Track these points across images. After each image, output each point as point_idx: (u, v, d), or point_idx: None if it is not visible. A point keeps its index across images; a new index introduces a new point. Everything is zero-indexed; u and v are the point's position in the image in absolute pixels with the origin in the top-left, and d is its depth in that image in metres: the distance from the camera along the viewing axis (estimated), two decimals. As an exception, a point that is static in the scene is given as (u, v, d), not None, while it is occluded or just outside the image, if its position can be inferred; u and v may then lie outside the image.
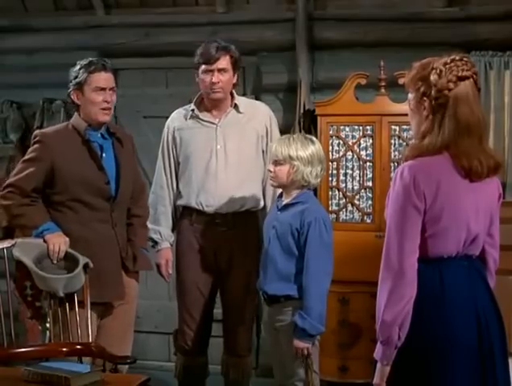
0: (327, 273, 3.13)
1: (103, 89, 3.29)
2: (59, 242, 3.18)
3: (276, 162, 3.20)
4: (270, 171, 3.23)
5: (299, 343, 3.11)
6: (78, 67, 3.32)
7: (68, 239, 3.21)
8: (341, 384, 4.27)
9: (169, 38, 4.84)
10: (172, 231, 3.82)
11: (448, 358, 2.20)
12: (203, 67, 3.58)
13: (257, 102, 3.97)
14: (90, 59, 3.36)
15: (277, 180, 3.22)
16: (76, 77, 3.31)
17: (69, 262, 3.19)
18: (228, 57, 3.58)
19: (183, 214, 3.75)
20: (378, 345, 2.25)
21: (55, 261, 3.19)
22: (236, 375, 3.81)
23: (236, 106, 3.70)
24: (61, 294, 3.10)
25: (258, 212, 3.76)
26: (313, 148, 3.19)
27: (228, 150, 3.64)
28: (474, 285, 2.28)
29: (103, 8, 5.01)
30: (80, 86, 3.30)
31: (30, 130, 5.09)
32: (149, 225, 3.67)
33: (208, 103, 3.68)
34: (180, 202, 3.72)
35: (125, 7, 5.04)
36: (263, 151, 3.72)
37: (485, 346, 2.23)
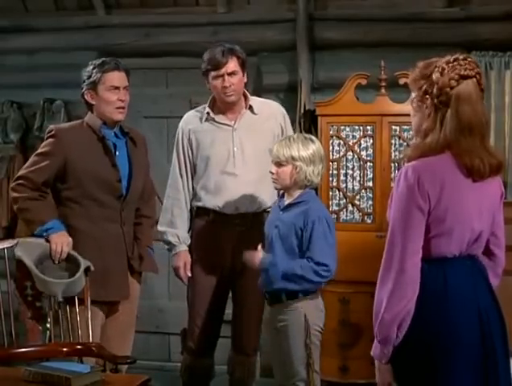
0: (327, 271, 3.12)
1: (117, 88, 3.30)
2: (61, 242, 3.17)
3: (278, 164, 3.19)
4: (272, 173, 3.22)
5: (254, 257, 3.16)
6: (91, 66, 3.32)
7: (71, 239, 3.21)
8: (342, 384, 4.27)
9: (169, 38, 4.84)
10: (188, 232, 3.81)
11: (451, 356, 2.19)
12: (212, 73, 3.57)
13: (269, 101, 3.94)
14: (103, 58, 3.36)
15: (279, 182, 3.21)
16: (89, 77, 3.30)
17: (71, 263, 3.18)
18: (235, 59, 3.56)
19: (198, 214, 3.73)
20: (376, 344, 2.26)
21: (56, 262, 3.19)
22: (241, 374, 3.79)
23: (250, 107, 3.70)
24: (60, 298, 3.09)
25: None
26: (314, 147, 3.19)
27: (245, 152, 3.63)
28: (477, 285, 2.28)
29: (103, 8, 5.02)
30: (94, 85, 3.30)
31: (30, 130, 5.11)
32: (166, 228, 3.68)
33: (222, 106, 3.66)
34: (198, 203, 3.70)
35: (126, 7, 5.05)
36: None
37: (487, 344, 2.23)
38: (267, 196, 3.65)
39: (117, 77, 3.31)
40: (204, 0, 4.93)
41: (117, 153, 3.35)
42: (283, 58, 4.77)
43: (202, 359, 3.78)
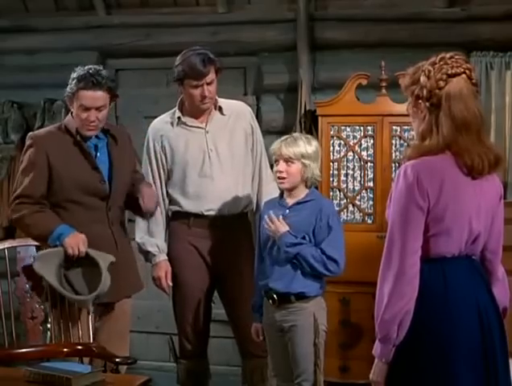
0: (336, 268, 3.18)
1: (87, 108, 3.18)
2: (76, 244, 3.12)
3: (287, 161, 3.16)
4: (281, 172, 3.17)
5: (279, 227, 3.14)
6: (75, 74, 3.21)
7: (84, 236, 3.15)
8: (342, 385, 4.27)
9: (170, 38, 4.84)
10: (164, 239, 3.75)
11: (451, 357, 2.20)
12: (191, 82, 3.49)
13: (237, 102, 3.84)
14: (89, 70, 3.19)
15: (289, 180, 3.18)
16: (70, 84, 3.21)
17: (91, 260, 3.12)
18: (213, 68, 3.51)
19: (176, 218, 3.68)
20: (377, 342, 2.26)
21: (75, 263, 3.13)
22: (258, 378, 3.70)
23: (220, 108, 3.65)
24: (91, 310, 3.09)
25: (249, 212, 3.75)
26: (315, 143, 3.24)
27: (220, 153, 3.60)
28: (476, 284, 2.28)
29: (104, 8, 5.02)
30: (71, 96, 3.22)
31: (31, 131, 5.10)
32: (143, 239, 3.63)
33: (194, 110, 3.61)
34: (176, 208, 3.66)
35: (126, 7, 5.05)
36: (251, 150, 3.71)
37: (487, 344, 2.23)
38: (245, 196, 3.65)
39: (90, 97, 3.16)
40: (204, 0, 4.93)
41: (98, 154, 3.30)
42: (284, 58, 4.78)
43: (200, 360, 3.77)
